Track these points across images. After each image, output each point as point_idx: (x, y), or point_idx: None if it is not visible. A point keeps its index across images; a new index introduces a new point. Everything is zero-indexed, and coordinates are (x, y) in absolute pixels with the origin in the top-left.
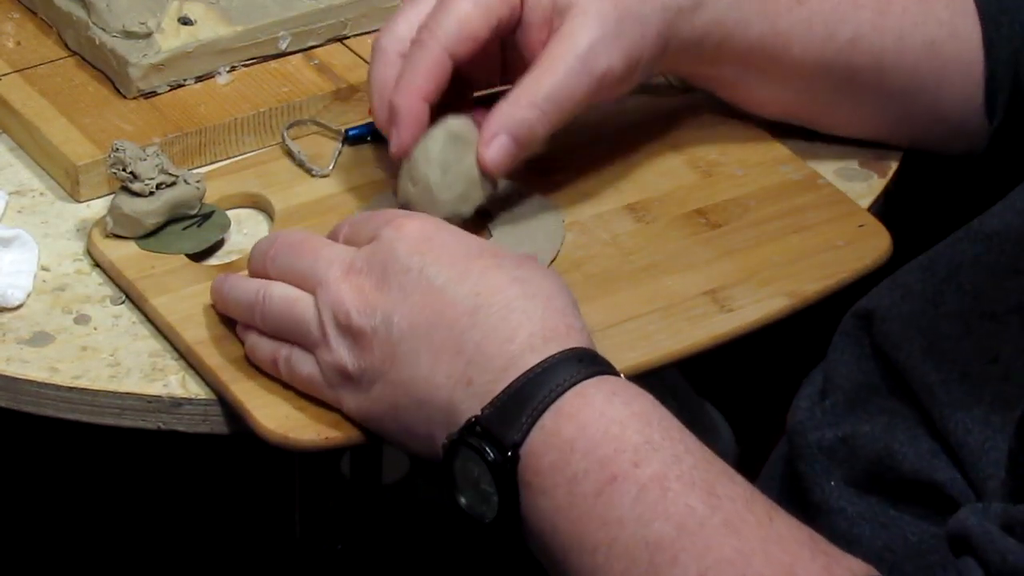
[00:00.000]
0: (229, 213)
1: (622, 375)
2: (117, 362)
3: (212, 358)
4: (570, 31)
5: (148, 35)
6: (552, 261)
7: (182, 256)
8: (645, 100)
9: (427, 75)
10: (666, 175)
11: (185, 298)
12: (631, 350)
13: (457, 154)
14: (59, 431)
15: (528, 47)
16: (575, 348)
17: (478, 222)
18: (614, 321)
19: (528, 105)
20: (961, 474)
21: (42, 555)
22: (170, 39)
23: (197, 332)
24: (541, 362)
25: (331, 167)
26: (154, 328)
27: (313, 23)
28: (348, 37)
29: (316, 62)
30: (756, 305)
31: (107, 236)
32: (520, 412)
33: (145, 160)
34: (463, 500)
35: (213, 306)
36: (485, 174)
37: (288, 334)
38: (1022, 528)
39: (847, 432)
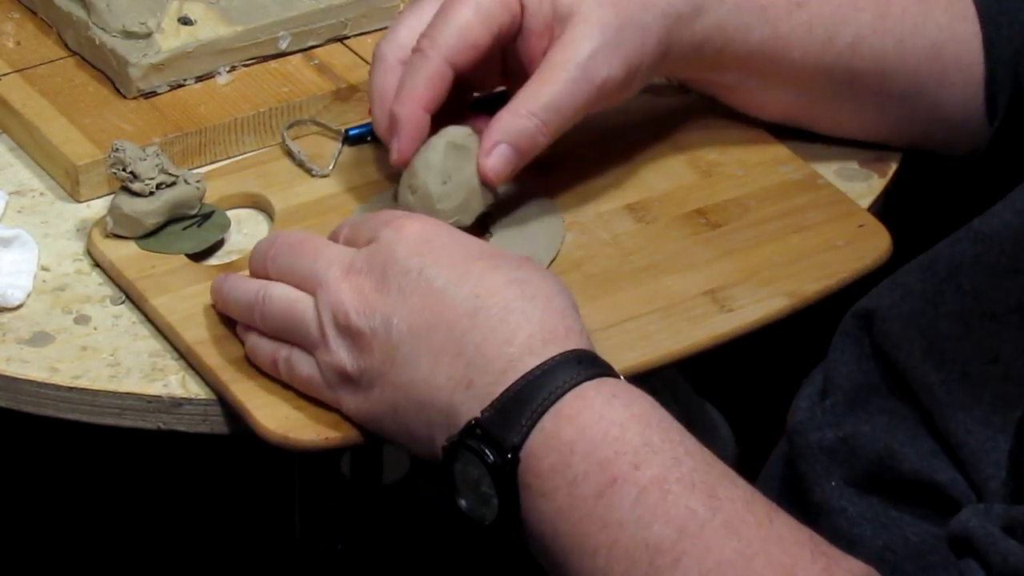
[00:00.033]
0: (229, 213)
1: (622, 377)
2: (117, 362)
3: (212, 358)
4: (571, 39)
5: (148, 35)
6: (552, 261)
7: (182, 256)
8: (645, 100)
9: (428, 84)
10: (666, 175)
11: (185, 298)
12: (631, 350)
13: (457, 163)
14: (59, 431)
15: (529, 55)
16: (574, 350)
17: (478, 223)
18: (614, 321)
19: (528, 114)
20: (962, 474)
21: (42, 555)
22: (170, 39)
23: (197, 332)
24: (540, 364)
25: (331, 167)
26: (154, 328)
27: (313, 23)
28: (348, 37)
29: (316, 62)
30: (756, 305)
31: (107, 236)
32: (520, 414)
33: (145, 160)
34: (463, 502)
35: (213, 306)
36: (485, 183)
37: (288, 335)
38: (1023, 529)
39: (847, 432)
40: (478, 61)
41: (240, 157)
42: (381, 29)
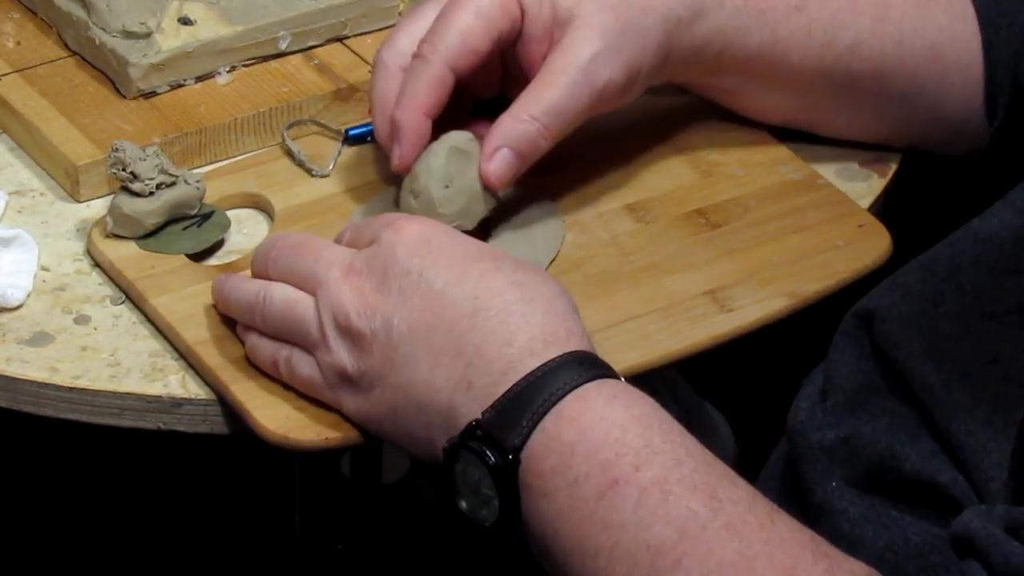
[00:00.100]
0: (229, 213)
1: (622, 378)
2: (117, 362)
3: (212, 358)
4: (571, 43)
5: (148, 35)
6: (552, 261)
7: (182, 256)
8: (645, 100)
9: (429, 90)
10: (666, 175)
11: (185, 298)
12: (631, 350)
13: (459, 168)
14: (59, 431)
15: (529, 59)
16: (575, 351)
17: (479, 226)
18: (614, 321)
19: (530, 118)
20: (962, 475)
21: (42, 555)
22: (170, 39)
23: (197, 332)
24: (541, 366)
25: (331, 167)
26: (154, 328)
27: (313, 23)
28: (348, 37)
29: (316, 62)
30: (756, 305)
31: (107, 236)
32: (520, 416)
33: (145, 160)
34: (463, 504)
35: (214, 306)
36: (487, 188)
37: (288, 335)
38: None
39: (848, 432)
40: (478, 66)
41: (240, 157)
42: (381, 29)
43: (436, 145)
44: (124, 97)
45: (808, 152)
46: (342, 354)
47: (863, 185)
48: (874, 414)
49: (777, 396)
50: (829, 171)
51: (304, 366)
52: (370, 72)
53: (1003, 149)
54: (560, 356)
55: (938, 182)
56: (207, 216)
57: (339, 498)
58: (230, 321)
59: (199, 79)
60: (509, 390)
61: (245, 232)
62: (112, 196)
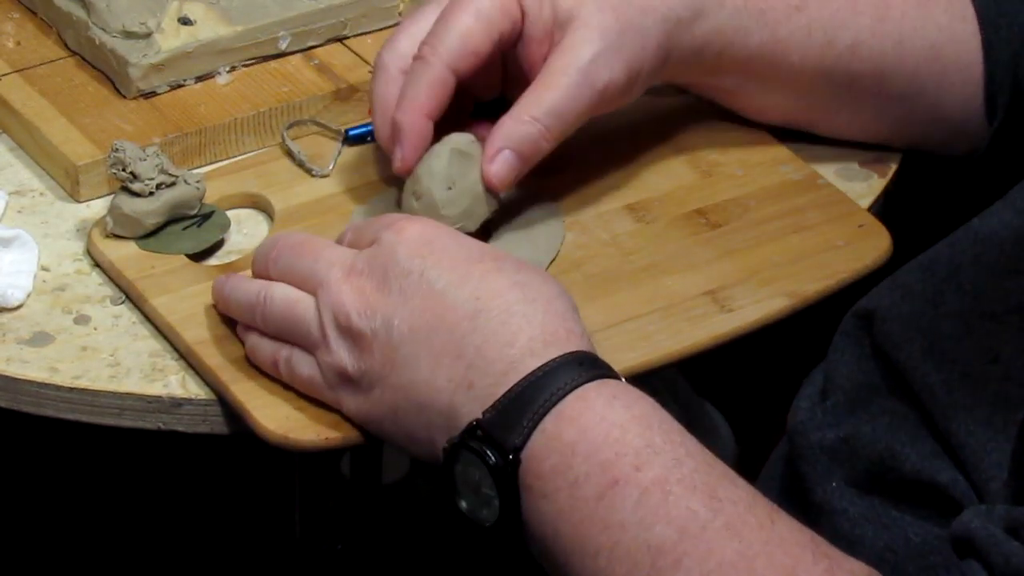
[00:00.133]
0: (229, 213)
1: (623, 378)
2: (117, 362)
3: (212, 358)
4: (571, 44)
5: (148, 35)
6: (552, 261)
7: (182, 256)
8: (645, 100)
9: (429, 92)
10: (666, 175)
11: (185, 298)
12: (631, 350)
13: (462, 170)
14: (59, 431)
15: (529, 61)
16: (575, 352)
17: (481, 228)
18: (614, 321)
19: (531, 120)
20: (963, 475)
21: (42, 555)
22: (170, 39)
23: (197, 332)
24: (542, 366)
25: (331, 167)
26: (154, 328)
27: (313, 23)
28: (348, 37)
29: (316, 62)
30: (756, 305)
31: (107, 236)
32: (521, 416)
33: (145, 160)
34: (464, 504)
35: (214, 306)
36: (489, 190)
37: (289, 335)
38: None
39: (848, 432)
40: (479, 68)
41: (240, 157)
42: (381, 29)
43: (438, 147)
44: (124, 97)
45: (808, 152)
46: (342, 354)
47: (863, 185)
48: (874, 414)
49: (777, 396)
50: (829, 171)
51: (304, 366)
52: (370, 73)
53: (1003, 149)
54: (560, 356)
55: (938, 182)
56: (207, 216)
57: (339, 498)
58: (230, 321)
59: (199, 79)
60: (510, 390)
61: (245, 232)
62: (112, 196)
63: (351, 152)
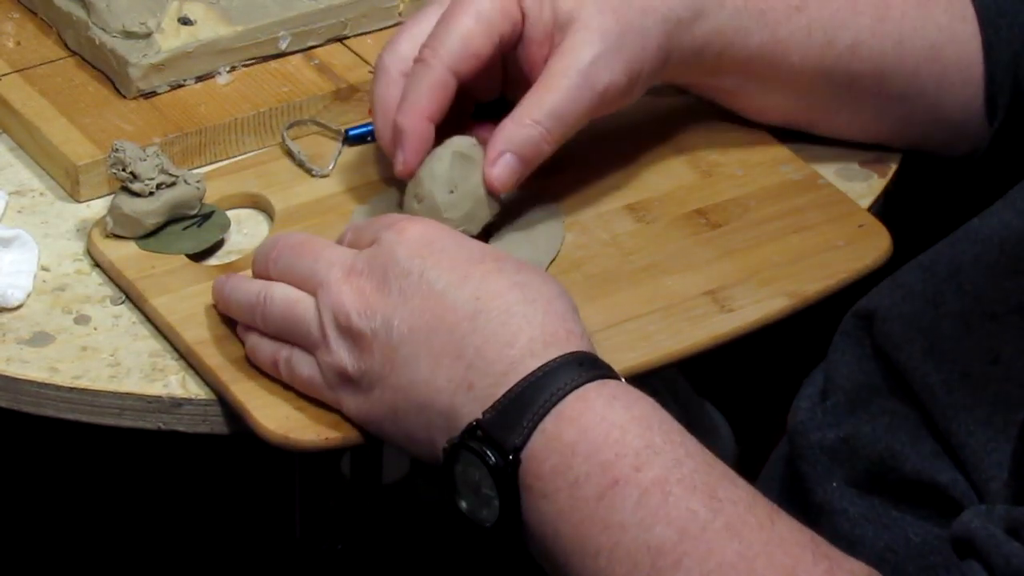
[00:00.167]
0: (229, 213)
1: (622, 379)
2: (117, 362)
3: (212, 358)
4: (572, 46)
5: (148, 35)
6: (552, 262)
7: (182, 256)
8: (645, 100)
9: (431, 95)
10: (666, 175)
11: (185, 298)
12: (631, 350)
13: (463, 173)
14: (59, 431)
15: (530, 63)
16: (575, 352)
17: (483, 230)
18: (614, 321)
19: (532, 122)
20: (963, 475)
21: (42, 555)
22: (170, 39)
23: (197, 332)
24: (542, 366)
25: (331, 167)
26: (154, 328)
27: (313, 23)
28: (348, 37)
29: (316, 62)
30: (756, 305)
31: (107, 236)
32: (521, 416)
33: (145, 160)
34: (464, 504)
35: (214, 306)
36: (491, 192)
37: (289, 335)
38: None
39: (848, 432)
40: (480, 70)
41: (240, 157)
42: (381, 29)
43: (440, 150)
44: (124, 97)
45: (808, 152)
46: (342, 354)
47: (863, 185)
48: (874, 414)
49: (777, 396)
50: (829, 171)
51: (304, 366)
52: (370, 73)
53: (1003, 149)
54: (560, 357)
55: (938, 182)
56: (207, 216)
57: (339, 498)
58: (230, 321)
59: (199, 79)
60: (510, 390)
61: (245, 232)
62: (112, 196)
63: (351, 152)
